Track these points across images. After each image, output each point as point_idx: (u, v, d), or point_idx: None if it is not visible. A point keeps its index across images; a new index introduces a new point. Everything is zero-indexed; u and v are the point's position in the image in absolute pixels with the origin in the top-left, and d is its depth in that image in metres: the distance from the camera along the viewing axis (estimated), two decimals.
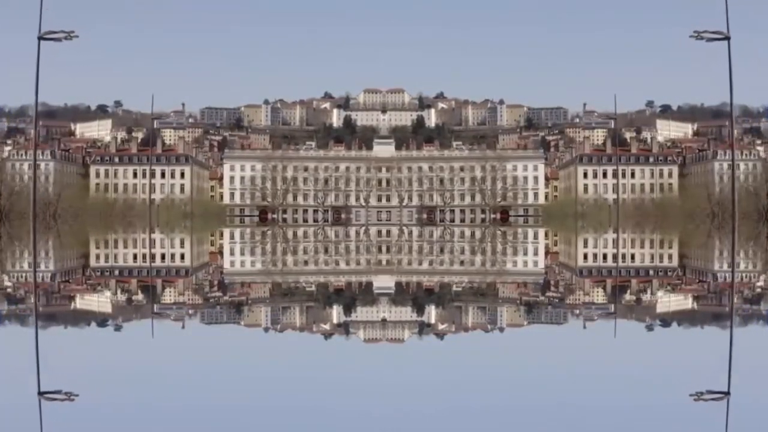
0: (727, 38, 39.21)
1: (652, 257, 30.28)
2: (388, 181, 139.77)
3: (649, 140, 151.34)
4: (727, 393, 7.29)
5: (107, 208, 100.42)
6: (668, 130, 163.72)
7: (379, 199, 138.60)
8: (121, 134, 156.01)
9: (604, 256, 30.85)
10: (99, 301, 15.55)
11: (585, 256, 30.70)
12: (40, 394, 7.14)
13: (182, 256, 31.66)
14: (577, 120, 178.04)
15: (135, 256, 30.67)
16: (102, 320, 12.82)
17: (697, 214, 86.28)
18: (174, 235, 52.28)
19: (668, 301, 15.73)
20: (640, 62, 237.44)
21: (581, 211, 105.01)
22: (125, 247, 37.55)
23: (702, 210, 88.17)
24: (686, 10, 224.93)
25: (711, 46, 40.60)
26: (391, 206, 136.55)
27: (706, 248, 34.87)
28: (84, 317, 13.26)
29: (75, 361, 9.07)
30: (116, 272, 22.01)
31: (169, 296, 16.97)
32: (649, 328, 12.04)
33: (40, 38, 39.97)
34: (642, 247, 37.86)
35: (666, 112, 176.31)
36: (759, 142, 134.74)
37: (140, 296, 16.80)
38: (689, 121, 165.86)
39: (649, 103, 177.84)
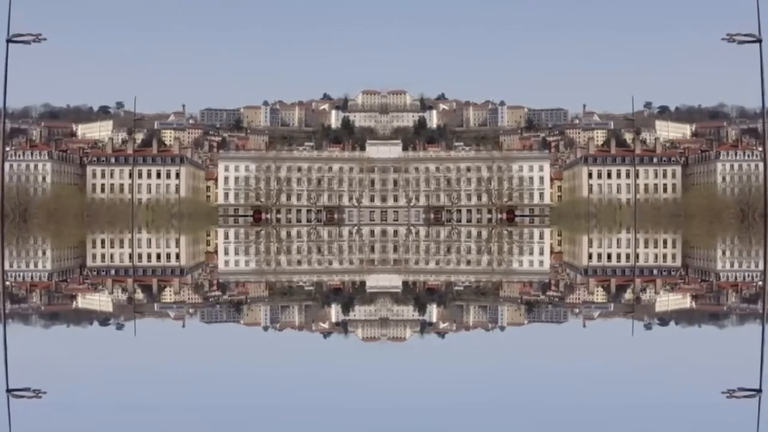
0: (759, 41, 39.19)
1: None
2: (395, 182, 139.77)
3: (651, 141, 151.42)
4: (759, 390, 7.19)
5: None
6: (667, 131, 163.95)
7: (386, 200, 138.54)
8: (122, 135, 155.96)
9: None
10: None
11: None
12: (8, 391, 7.10)
13: (176, 256, 31.51)
14: (577, 121, 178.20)
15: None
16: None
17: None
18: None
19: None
20: (638, 63, 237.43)
21: (593, 211, 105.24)
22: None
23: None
24: (683, 12, 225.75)
25: (708, 48, 40.83)
26: (399, 206, 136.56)
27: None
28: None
29: (53, 360, 8.92)
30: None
31: (155, 296, 16.81)
32: (668, 326, 11.96)
33: (8, 41, 40.62)
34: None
35: (664, 113, 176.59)
36: (755, 142, 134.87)
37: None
38: (687, 122, 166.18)
39: (648, 104, 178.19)
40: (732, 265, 25.48)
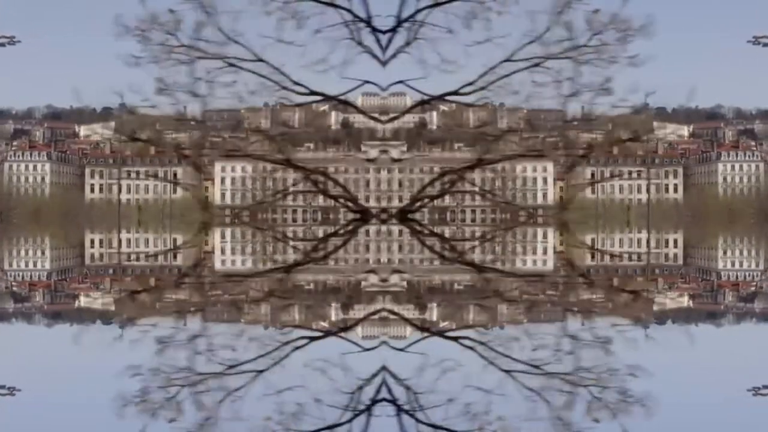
0: None
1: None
2: (400, 182, 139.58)
3: (654, 141, 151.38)
4: None
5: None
6: (665, 132, 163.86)
7: (390, 200, 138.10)
8: (124, 136, 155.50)
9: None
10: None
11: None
12: None
13: (174, 256, 31.43)
14: (576, 122, 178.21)
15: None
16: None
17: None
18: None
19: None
20: (635, 64, 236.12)
21: (601, 211, 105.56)
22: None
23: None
24: (678, 14, 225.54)
25: (705, 49, 40.99)
26: (401, 206, 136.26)
27: None
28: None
29: (40, 360, 8.83)
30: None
31: (151, 295, 16.65)
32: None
33: None
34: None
35: (661, 114, 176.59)
36: (753, 143, 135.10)
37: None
38: (685, 123, 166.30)
39: (645, 105, 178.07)
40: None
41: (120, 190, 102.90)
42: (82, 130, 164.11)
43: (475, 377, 7.55)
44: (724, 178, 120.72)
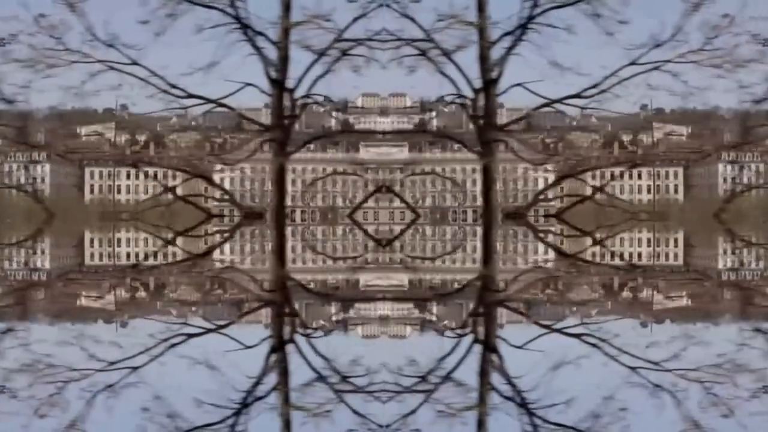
0: None
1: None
2: (401, 183, 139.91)
3: (653, 142, 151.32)
4: None
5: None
6: (663, 133, 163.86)
7: (390, 201, 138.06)
8: (124, 136, 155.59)
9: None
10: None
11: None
12: None
13: (172, 255, 31.39)
14: (575, 123, 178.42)
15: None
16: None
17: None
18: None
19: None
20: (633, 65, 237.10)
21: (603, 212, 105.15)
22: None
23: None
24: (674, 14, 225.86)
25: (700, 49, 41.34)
26: (401, 207, 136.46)
27: None
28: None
29: (27, 358, 8.72)
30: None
31: (149, 295, 16.63)
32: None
33: None
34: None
35: (659, 114, 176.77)
36: (753, 143, 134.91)
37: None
38: (683, 124, 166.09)
39: (644, 107, 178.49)
40: None
41: (118, 191, 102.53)
42: (84, 131, 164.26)
43: (595, 374, 7.55)
44: (724, 179, 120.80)
